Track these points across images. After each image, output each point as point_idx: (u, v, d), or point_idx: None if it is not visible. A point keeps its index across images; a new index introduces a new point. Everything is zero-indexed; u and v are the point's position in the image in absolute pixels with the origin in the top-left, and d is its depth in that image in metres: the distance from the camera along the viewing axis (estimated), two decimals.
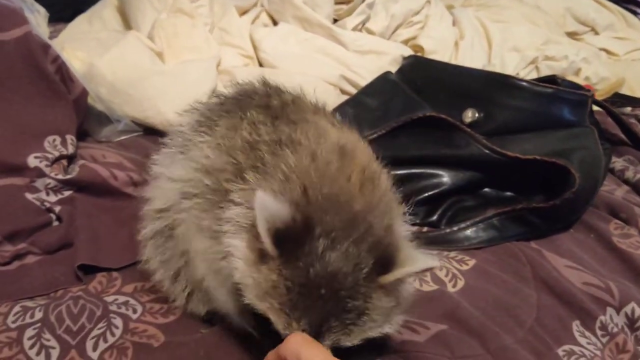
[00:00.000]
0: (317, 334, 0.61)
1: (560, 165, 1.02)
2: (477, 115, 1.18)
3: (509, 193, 1.14)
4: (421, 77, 1.30)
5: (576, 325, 0.90)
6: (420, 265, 0.62)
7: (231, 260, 0.65)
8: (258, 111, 0.74)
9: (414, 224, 1.11)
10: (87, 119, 1.19)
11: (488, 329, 0.86)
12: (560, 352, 0.85)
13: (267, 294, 0.61)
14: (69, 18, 1.57)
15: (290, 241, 0.60)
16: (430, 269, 0.66)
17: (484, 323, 0.87)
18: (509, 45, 1.66)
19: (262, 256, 0.62)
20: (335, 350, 0.62)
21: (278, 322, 0.62)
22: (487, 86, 1.19)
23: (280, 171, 0.65)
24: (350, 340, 0.62)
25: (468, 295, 0.93)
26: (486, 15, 1.78)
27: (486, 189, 1.15)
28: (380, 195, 0.68)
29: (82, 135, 1.18)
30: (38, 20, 1.26)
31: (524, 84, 1.17)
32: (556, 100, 1.17)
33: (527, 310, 0.92)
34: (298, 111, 0.75)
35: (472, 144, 1.10)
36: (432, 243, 1.04)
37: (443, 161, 1.12)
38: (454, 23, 1.70)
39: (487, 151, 1.08)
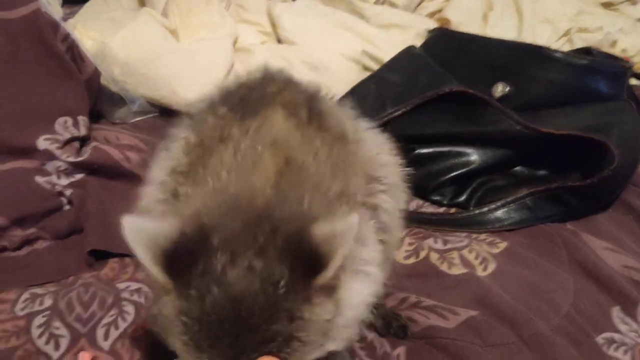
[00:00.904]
0: None
1: (598, 141, 0.95)
2: (507, 89, 1.11)
3: (542, 171, 1.07)
4: (447, 50, 1.24)
5: (616, 311, 0.84)
6: (340, 242, 0.46)
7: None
8: (229, 106, 0.62)
9: (440, 206, 1.07)
10: (100, 100, 1.15)
11: (521, 315, 0.80)
12: (599, 340, 0.79)
13: (169, 331, 0.49)
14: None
15: (183, 262, 0.47)
16: (351, 231, 0.47)
17: (516, 309, 0.81)
18: (540, 17, 1.57)
19: (159, 290, 0.49)
20: None
21: None
22: (518, 58, 1.12)
23: (197, 175, 0.55)
24: None
25: (499, 280, 0.87)
26: None
27: (518, 168, 1.09)
28: (309, 186, 0.53)
29: (96, 117, 1.15)
30: (49, 6, 1.23)
31: (558, 55, 1.10)
32: (592, 72, 1.10)
33: (563, 296, 0.86)
34: (259, 104, 0.61)
35: (503, 119, 1.03)
36: (460, 225, 0.99)
37: (471, 138, 1.06)
38: None
39: (518, 127, 1.02)
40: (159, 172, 0.60)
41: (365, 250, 0.54)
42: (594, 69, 1.10)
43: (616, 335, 0.80)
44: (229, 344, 0.46)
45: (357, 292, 0.52)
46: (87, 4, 1.48)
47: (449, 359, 0.74)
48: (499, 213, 0.99)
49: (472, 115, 1.07)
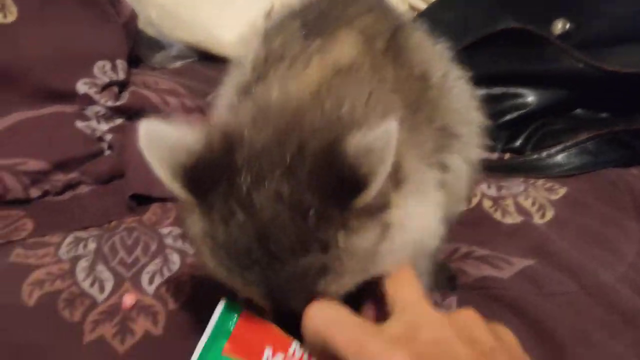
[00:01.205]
0: (280, 299, 0.45)
1: None
2: (567, 25, 1.03)
3: (604, 114, 1.01)
4: None
5: None
6: (380, 156, 0.39)
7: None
8: (303, 21, 0.56)
9: (494, 151, 1.01)
10: (138, 45, 1.13)
11: (582, 263, 0.76)
12: None
13: (200, 251, 0.46)
14: None
15: (207, 180, 0.42)
16: (392, 140, 0.39)
17: (577, 257, 0.77)
18: None
19: (185, 205, 0.45)
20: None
21: (227, 284, 0.46)
22: None
23: (251, 92, 0.50)
24: (331, 296, 0.45)
25: (558, 228, 0.83)
26: None
27: (578, 110, 1.02)
28: (356, 94, 0.46)
29: (135, 62, 1.13)
30: None
31: None
32: None
33: (628, 244, 0.80)
34: (334, 23, 0.55)
35: (563, 57, 0.97)
36: (515, 170, 0.94)
37: (528, 78, 1.00)
38: None
39: (581, 65, 0.95)
40: (228, 91, 0.56)
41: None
42: None
43: None
44: (260, 273, 0.42)
45: (414, 213, 0.46)
46: None
47: (504, 309, 0.70)
48: (558, 158, 0.94)
49: (529, 54, 1.00)
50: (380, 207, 0.43)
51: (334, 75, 0.47)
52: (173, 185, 0.42)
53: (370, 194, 0.40)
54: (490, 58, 1.02)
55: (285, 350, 0.50)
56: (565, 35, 1.03)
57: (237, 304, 0.51)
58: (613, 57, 0.96)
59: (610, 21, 1.02)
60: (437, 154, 0.53)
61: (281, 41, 0.54)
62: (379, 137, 0.39)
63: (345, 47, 0.51)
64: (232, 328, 0.50)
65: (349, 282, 0.45)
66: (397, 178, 0.44)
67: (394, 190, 0.44)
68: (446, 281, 0.74)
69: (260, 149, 0.42)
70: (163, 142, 0.41)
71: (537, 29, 1.00)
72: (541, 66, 0.98)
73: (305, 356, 0.51)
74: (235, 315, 0.50)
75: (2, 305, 0.65)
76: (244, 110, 0.47)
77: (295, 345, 0.51)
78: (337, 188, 0.41)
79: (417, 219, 0.47)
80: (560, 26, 1.03)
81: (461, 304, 0.71)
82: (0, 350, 0.60)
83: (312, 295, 0.44)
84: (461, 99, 0.60)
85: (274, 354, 0.50)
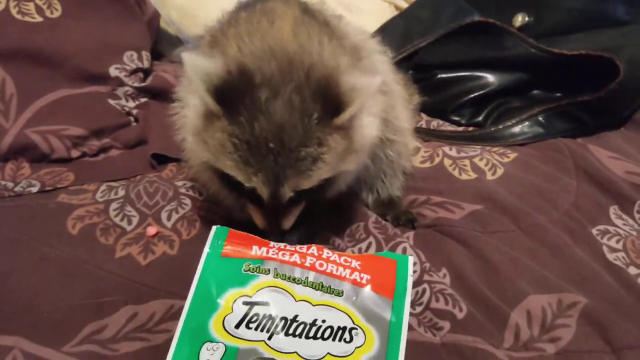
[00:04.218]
0: (276, 183, 0.64)
1: (606, 58, 1.02)
2: (527, 19, 1.19)
3: (557, 94, 1.15)
4: None
5: (613, 209, 0.93)
6: (365, 92, 0.62)
7: (182, 130, 0.71)
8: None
9: (459, 126, 1.16)
10: (160, 42, 1.31)
11: (522, 209, 0.90)
12: (594, 231, 0.88)
13: (220, 153, 0.64)
14: None
15: (232, 95, 0.62)
16: (375, 86, 0.65)
17: (518, 205, 0.91)
18: None
19: (209, 118, 0.65)
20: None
21: (238, 176, 0.65)
22: None
23: (224, 39, 0.70)
24: (309, 184, 0.66)
25: (506, 183, 0.97)
26: None
27: (535, 91, 1.17)
28: (318, 41, 0.67)
29: (158, 56, 1.31)
30: None
31: None
32: None
33: (565, 197, 0.95)
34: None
35: (519, 44, 1.12)
36: (475, 140, 1.09)
37: (489, 63, 1.15)
38: None
39: (533, 50, 1.10)
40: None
41: (373, 102, 0.70)
42: None
43: (611, 228, 0.89)
44: (272, 160, 0.63)
45: (366, 128, 0.69)
46: None
47: (453, 242, 0.85)
48: (513, 129, 1.09)
49: (492, 43, 1.16)
50: (352, 124, 0.66)
51: (296, 25, 0.69)
52: (207, 98, 0.62)
53: (347, 115, 0.63)
54: (459, 48, 1.18)
55: (267, 245, 0.69)
56: (525, 27, 1.19)
57: (226, 228, 0.71)
58: (565, 44, 1.11)
59: (564, 14, 1.18)
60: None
61: (226, 20, 0.76)
62: (364, 84, 0.63)
63: (288, 10, 0.72)
64: (225, 241, 0.70)
65: (327, 172, 0.66)
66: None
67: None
68: (407, 222, 0.90)
69: (273, 73, 0.63)
70: (201, 70, 0.62)
71: (500, 22, 1.16)
72: (500, 52, 1.14)
73: (283, 245, 0.69)
74: (226, 232, 0.71)
75: (52, 232, 0.82)
76: (233, 49, 0.67)
77: (273, 244, 0.69)
78: (332, 105, 0.63)
79: (368, 129, 0.70)
80: (520, 19, 1.19)
81: (417, 237, 0.87)
82: (52, 263, 0.77)
83: (299, 184, 0.65)
84: (384, 67, 0.84)
85: (259, 248, 0.69)
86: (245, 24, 0.71)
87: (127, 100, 1.09)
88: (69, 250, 0.79)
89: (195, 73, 0.62)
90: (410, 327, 0.66)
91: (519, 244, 0.85)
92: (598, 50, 1.04)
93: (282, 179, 0.64)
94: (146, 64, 1.16)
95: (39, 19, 1.04)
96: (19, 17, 1.02)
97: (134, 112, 1.08)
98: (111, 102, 1.07)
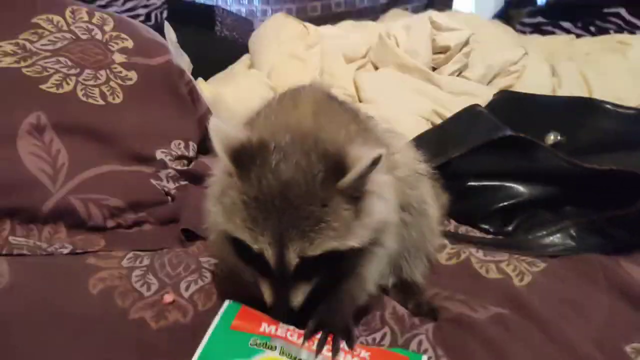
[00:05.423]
0: (281, 245, 0.66)
1: (637, 174, 1.02)
2: (559, 137, 1.22)
3: (589, 209, 1.12)
4: (508, 108, 1.37)
5: None
6: (368, 157, 0.65)
7: (206, 201, 0.75)
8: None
9: (488, 234, 1.15)
10: (209, 139, 1.40)
11: (551, 320, 0.86)
12: (627, 349, 0.83)
13: (232, 213, 0.68)
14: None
15: (247, 158, 0.67)
16: (379, 158, 0.66)
17: (546, 314, 0.87)
18: (610, 95, 1.66)
19: (227, 181, 0.70)
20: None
21: (246, 238, 0.67)
22: (571, 109, 1.24)
23: (257, 118, 0.78)
24: (314, 250, 0.66)
25: (534, 290, 0.94)
26: (591, 67, 1.79)
27: (567, 207, 1.16)
28: (337, 124, 0.74)
29: (205, 151, 1.38)
30: (178, 60, 1.54)
31: (608, 106, 1.21)
32: None
33: (597, 311, 0.91)
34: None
35: (550, 158, 1.14)
36: (503, 247, 1.07)
37: (521, 174, 1.16)
38: (553, 74, 1.75)
39: (564, 164, 1.11)
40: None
41: (383, 179, 0.73)
42: None
43: None
44: (277, 218, 0.66)
45: (375, 207, 0.71)
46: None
47: (475, 342, 0.80)
48: (544, 240, 1.07)
49: (523, 156, 1.18)
50: (358, 196, 0.69)
51: (317, 107, 0.76)
52: (224, 157, 0.68)
53: (351, 177, 0.66)
54: (490, 159, 1.20)
55: (276, 324, 0.71)
56: (556, 145, 1.21)
57: (238, 303, 0.74)
58: (596, 161, 1.11)
59: (596, 134, 1.20)
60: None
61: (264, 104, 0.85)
62: (369, 153, 0.66)
63: (313, 94, 0.82)
64: (236, 315, 0.73)
65: (331, 240, 0.67)
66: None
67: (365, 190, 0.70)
68: (430, 311, 0.87)
69: (286, 143, 0.68)
70: (222, 133, 0.69)
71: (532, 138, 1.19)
72: (533, 164, 1.15)
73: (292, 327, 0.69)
74: (239, 307, 0.74)
75: (73, 290, 0.85)
76: (263, 129, 0.72)
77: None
78: (336, 167, 0.67)
79: (378, 208, 0.72)
80: (552, 137, 1.23)
81: (437, 332, 0.84)
82: (68, 318, 0.78)
83: (304, 248, 0.66)
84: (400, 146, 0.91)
85: (268, 325, 0.69)
86: (276, 106, 0.81)
87: (167, 182, 1.15)
88: (85, 307, 0.81)
89: (217, 135, 0.68)
90: None
91: (547, 355, 0.80)
92: (629, 166, 1.04)
93: (287, 240, 0.66)
94: (192, 154, 1.24)
95: (101, 102, 1.14)
96: (83, 98, 1.12)
97: (173, 192, 1.13)
98: (153, 182, 1.13)
